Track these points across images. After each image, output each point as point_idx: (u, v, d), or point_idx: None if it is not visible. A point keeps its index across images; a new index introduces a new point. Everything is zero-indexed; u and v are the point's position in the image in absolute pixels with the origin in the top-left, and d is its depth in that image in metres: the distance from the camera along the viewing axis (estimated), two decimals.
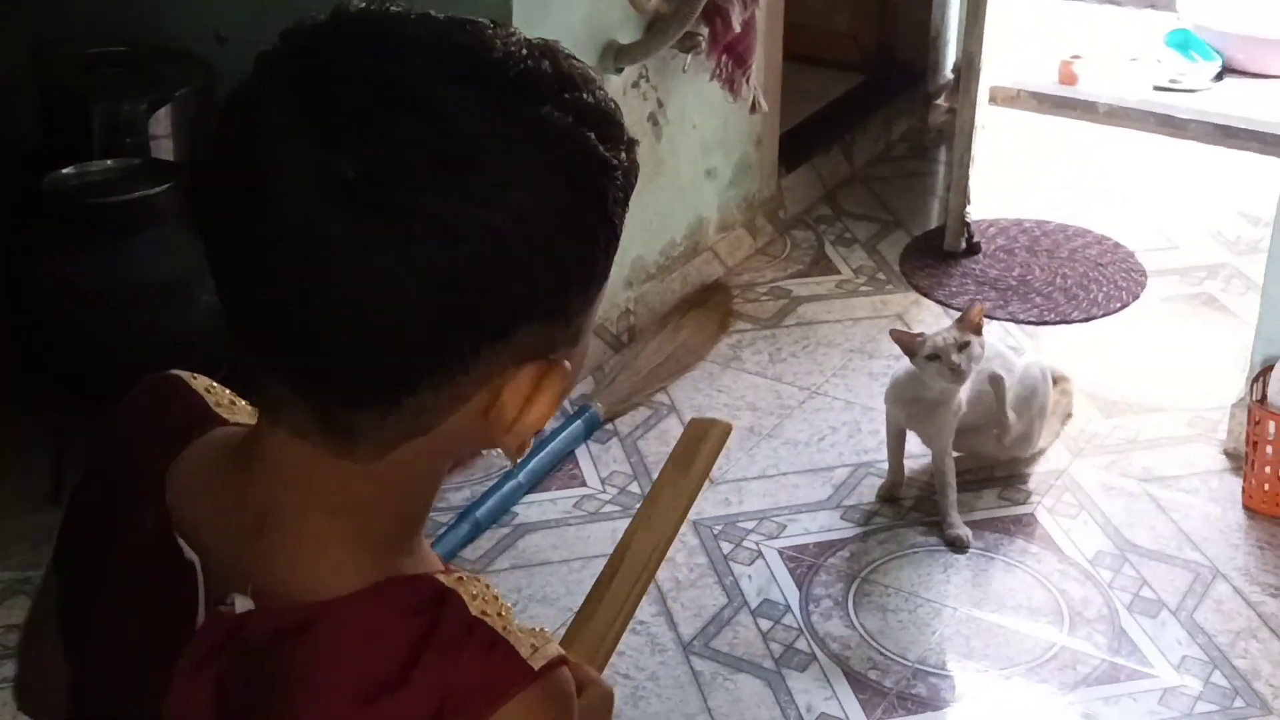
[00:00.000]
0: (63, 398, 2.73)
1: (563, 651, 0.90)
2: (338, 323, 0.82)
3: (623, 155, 0.87)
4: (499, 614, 0.90)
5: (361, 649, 0.87)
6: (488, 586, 0.92)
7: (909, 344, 2.81)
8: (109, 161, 2.81)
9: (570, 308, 0.88)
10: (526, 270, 0.83)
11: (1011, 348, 3.17)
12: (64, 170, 2.73)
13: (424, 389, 0.85)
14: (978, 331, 2.79)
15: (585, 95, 0.86)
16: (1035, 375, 2.97)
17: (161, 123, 2.97)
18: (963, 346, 2.75)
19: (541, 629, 0.92)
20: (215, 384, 1.03)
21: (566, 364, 0.89)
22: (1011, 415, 2.90)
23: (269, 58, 0.86)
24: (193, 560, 0.91)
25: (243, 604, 0.89)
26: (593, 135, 0.85)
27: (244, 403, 1.02)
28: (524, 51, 0.85)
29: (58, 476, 2.80)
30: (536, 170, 0.83)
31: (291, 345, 0.85)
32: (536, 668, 0.88)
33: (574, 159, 0.85)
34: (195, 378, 1.03)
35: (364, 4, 0.87)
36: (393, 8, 0.87)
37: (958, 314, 3.01)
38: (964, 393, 2.83)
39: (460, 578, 0.91)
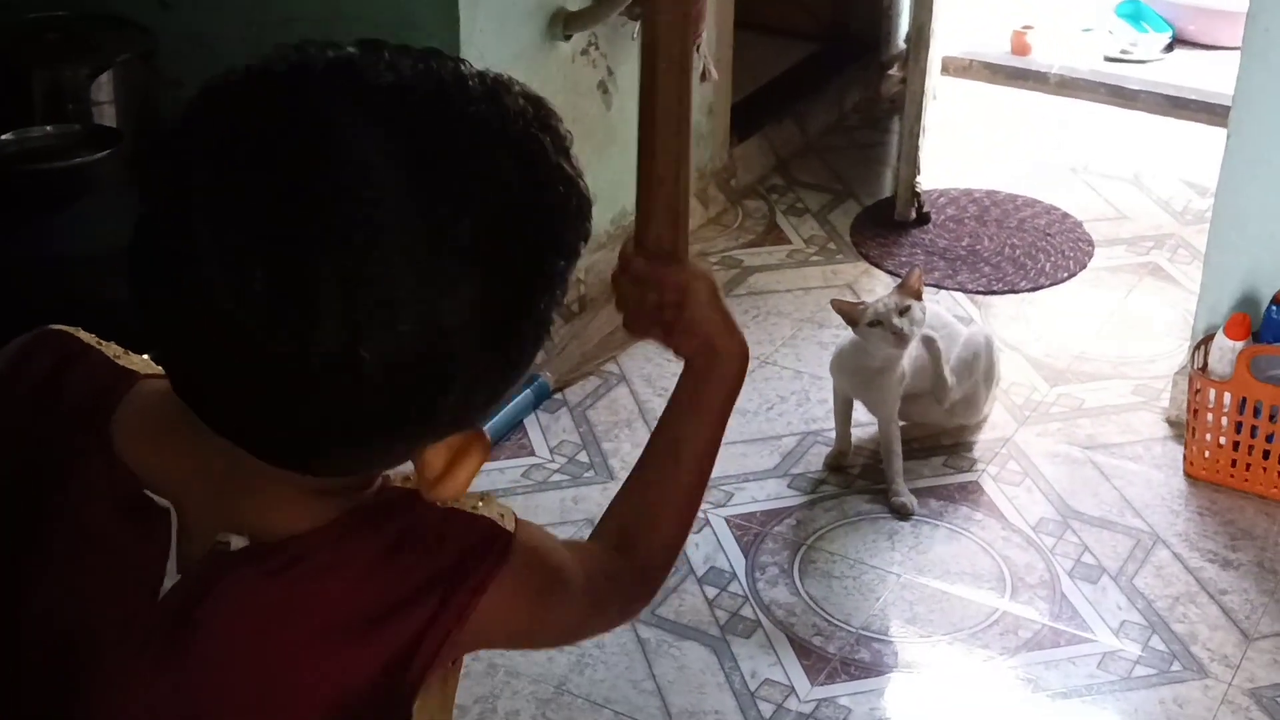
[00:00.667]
0: None
1: (514, 512, 1.00)
2: (245, 402, 0.85)
3: (566, 246, 0.88)
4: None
5: (359, 565, 0.93)
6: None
7: (850, 313, 2.82)
8: (49, 128, 2.78)
9: (493, 386, 0.90)
10: (442, 379, 0.85)
11: (958, 317, 3.19)
12: (2, 136, 2.70)
13: (337, 457, 0.89)
14: (918, 296, 2.80)
15: (530, 188, 0.85)
16: (979, 342, 2.98)
17: (103, 89, 2.94)
18: (904, 311, 2.76)
19: (486, 497, 1.00)
20: (99, 338, 1.03)
21: (487, 438, 0.94)
22: (951, 378, 2.92)
23: (203, 121, 0.84)
24: (167, 508, 0.93)
25: (238, 541, 0.92)
26: (534, 243, 0.85)
27: (133, 355, 1.02)
28: (471, 141, 0.83)
29: None
30: (458, 296, 0.82)
31: (210, 409, 0.88)
32: (511, 529, 0.98)
33: (506, 285, 0.85)
34: (78, 332, 1.03)
35: (316, 60, 0.84)
36: (339, 71, 0.84)
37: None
38: (907, 360, 2.84)
39: (406, 477, 0.98)
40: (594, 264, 3.43)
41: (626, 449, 3.01)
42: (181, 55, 3.12)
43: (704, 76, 3.51)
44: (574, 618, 1.07)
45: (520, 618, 0.99)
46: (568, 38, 3.13)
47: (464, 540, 0.95)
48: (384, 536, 0.94)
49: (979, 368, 2.97)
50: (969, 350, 2.96)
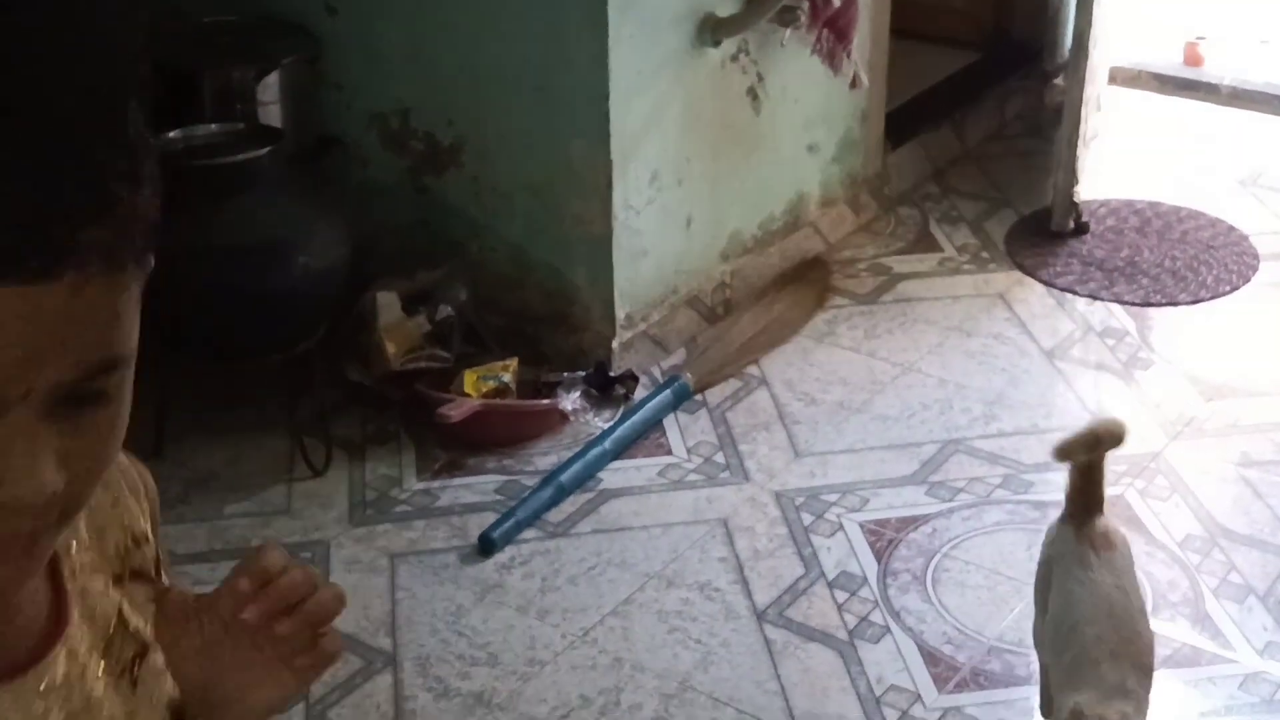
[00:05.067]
0: (165, 355, 2.82)
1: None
2: None
3: None
4: None
5: None
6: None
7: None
8: (214, 126, 2.90)
9: None
10: None
11: None
12: (170, 134, 2.83)
13: None
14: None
15: None
16: None
17: (269, 90, 3.06)
18: None
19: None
20: None
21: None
22: None
23: None
24: None
25: None
26: None
27: None
28: None
29: (160, 432, 2.90)
30: None
31: None
32: None
33: None
34: None
35: None
36: None
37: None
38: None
39: None
40: (740, 268, 3.45)
41: (763, 451, 3.01)
42: (344, 59, 3.23)
43: (854, 84, 3.51)
44: None
45: None
46: (717, 44, 3.15)
47: None
48: None
49: None
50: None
